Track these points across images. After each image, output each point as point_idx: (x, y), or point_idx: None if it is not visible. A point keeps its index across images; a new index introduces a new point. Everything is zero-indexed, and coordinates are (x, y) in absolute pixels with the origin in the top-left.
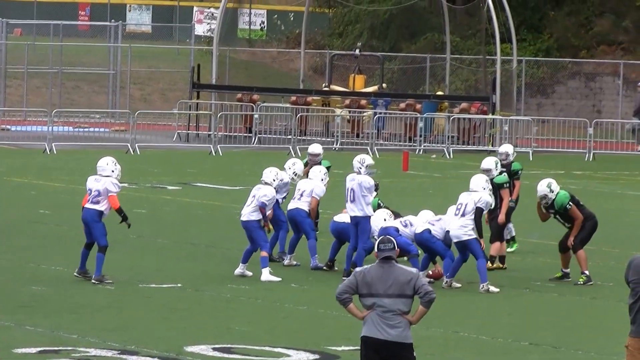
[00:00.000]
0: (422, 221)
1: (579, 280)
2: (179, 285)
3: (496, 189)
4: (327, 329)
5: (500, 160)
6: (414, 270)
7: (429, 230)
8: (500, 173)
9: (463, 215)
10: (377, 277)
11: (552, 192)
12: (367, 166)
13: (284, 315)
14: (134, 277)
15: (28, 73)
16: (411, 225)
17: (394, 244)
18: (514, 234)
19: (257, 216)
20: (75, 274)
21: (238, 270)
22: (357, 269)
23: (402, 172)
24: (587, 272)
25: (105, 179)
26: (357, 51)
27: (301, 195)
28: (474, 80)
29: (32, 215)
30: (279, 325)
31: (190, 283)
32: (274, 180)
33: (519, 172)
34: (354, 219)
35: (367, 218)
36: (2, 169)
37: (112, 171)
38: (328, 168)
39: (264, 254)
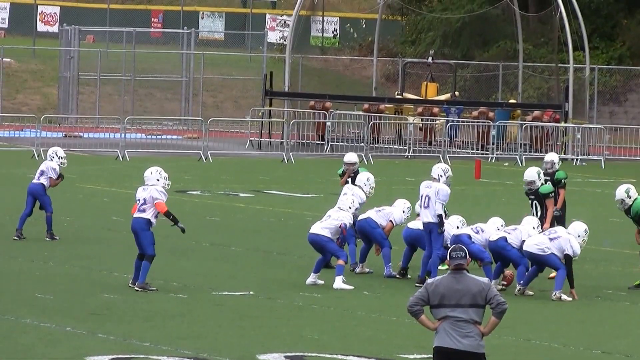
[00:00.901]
0: (494, 228)
1: None
2: (251, 292)
3: (541, 199)
4: (400, 337)
5: (546, 169)
6: (486, 280)
7: (504, 239)
8: (545, 182)
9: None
10: (449, 287)
11: (630, 197)
12: (448, 177)
13: (356, 323)
14: (206, 284)
15: (101, 80)
16: (482, 231)
17: (465, 252)
18: None
19: (327, 232)
20: (129, 284)
21: (310, 280)
22: (429, 280)
23: (474, 180)
24: None
25: (151, 187)
26: (430, 59)
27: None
28: (547, 88)
29: (105, 222)
30: (351, 333)
31: (263, 290)
32: (350, 208)
33: (563, 180)
34: (427, 225)
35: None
36: (75, 176)
37: (157, 180)
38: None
39: (341, 262)
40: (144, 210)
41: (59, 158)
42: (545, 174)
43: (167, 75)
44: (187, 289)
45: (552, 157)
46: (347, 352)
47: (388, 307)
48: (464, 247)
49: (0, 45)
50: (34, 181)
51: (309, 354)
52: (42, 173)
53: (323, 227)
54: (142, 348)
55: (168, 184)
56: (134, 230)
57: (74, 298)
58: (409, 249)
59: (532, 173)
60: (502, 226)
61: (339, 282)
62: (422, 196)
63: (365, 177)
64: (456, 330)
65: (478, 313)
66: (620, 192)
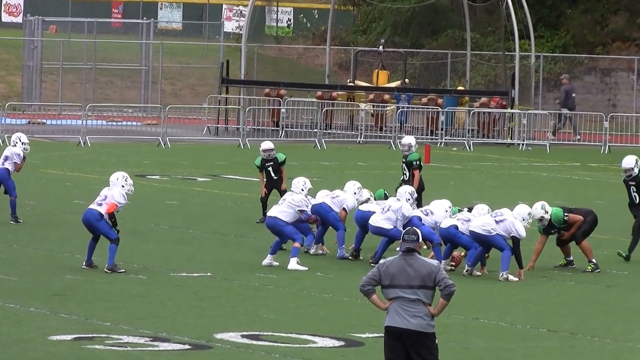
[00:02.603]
0: (442, 210)
1: (587, 267)
2: (209, 274)
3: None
4: (352, 317)
5: (403, 152)
6: (435, 262)
7: (455, 227)
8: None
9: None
10: (400, 268)
11: (547, 212)
12: (414, 198)
13: (310, 303)
14: (165, 266)
15: (63, 69)
16: (432, 214)
17: (418, 235)
18: None
19: (284, 216)
20: (83, 266)
21: (266, 261)
22: (381, 261)
23: (424, 164)
24: (594, 260)
25: (116, 188)
26: (381, 47)
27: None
28: (494, 75)
29: (67, 206)
30: (305, 312)
31: (220, 272)
32: (303, 190)
33: (415, 162)
34: (376, 229)
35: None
36: (38, 162)
37: (123, 186)
38: (284, 161)
39: (297, 245)
40: (100, 205)
41: (22, 144)
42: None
43: (127, 64)
44: (147, 270)
45: (409, 140)
46: (301, 331)
47: (341, 287)
48: (417, 230)
49: None
50: None
51: (265, 333)
52: (6, 158)
53: (280, 211)
54: (103, 328)
55: (131, 190)
56: (87, 221)
57: (38, 279)
58: (360, 231)
59: (630, 160)
60: (488, 212)
61: (293, 264)
62: (385, 205)
63: (301, 182)
64: (406, 310)
65: (427, 294)
66: (538, 210)
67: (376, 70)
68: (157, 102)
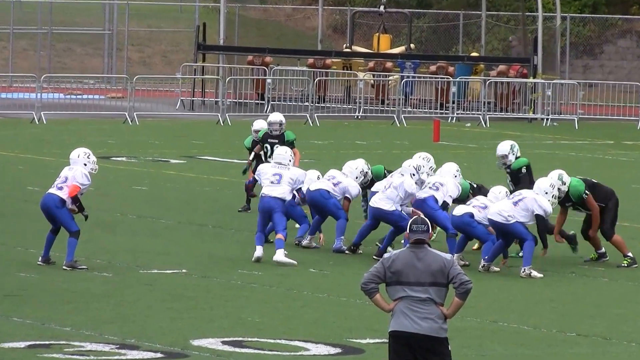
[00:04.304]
0: (451, 175)
1: (622, 262)
2: (184, 271)
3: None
4: (351, 320)
5: (272, 132)
6: (448, 256)
7: (471, 214)
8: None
9: None
10: (408, 263)
11: (564, 184)
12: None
13: (302, 304)
14: (133, 262)
15: (14, 34)
16: (442, 185)
17: (428, 225)
18: None
19: (283, 195)
20: (39, 262)
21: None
22: (385, 254)
23: (432, 142)
24: (630, 253)
25: (77, 167)
26: (382, 7)
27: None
28: (513, 39)
29: (20, 193)
30: (296, 315)
31: (197, 268)
32: (290, 162)
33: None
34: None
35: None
36: None
37: (85, 164)
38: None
39: (280, 236)
40: (61, 188)
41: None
42: (271, 137)
43: (88, 28)
44: (113, 267)
45: (276, 117)
46: (292, 337)
47: (337, 286)
48: (426, 219)
49: None
50: None
51: (249, 339)
52: None
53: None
54: (62, 333)
55: (95, 169)
56: (46, 207)
57: None
58: (370, 224)
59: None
60: (506, 195)
61: (280, 255)
62: (388, 182)
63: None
64: (414, 311)
65: (439, 293)
66: (554, 179)
67: (377, 34)
68: (122, 72)
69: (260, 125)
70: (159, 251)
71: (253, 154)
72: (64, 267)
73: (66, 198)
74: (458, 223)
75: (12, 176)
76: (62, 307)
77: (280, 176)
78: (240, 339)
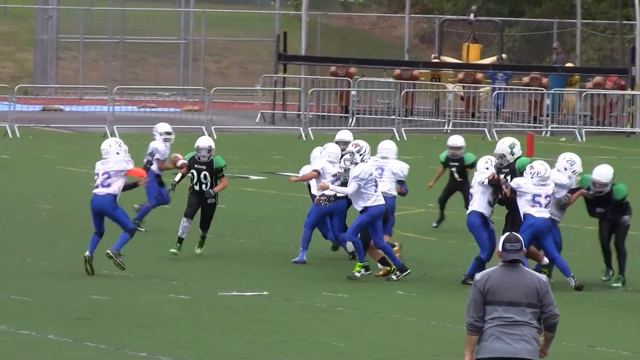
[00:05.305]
0: (483, 163)
1: None
2: (265, 293)
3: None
4: (440, 344)
5: (200, 158)
6: (544, 278)
7: (552, 219)
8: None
9: None
10: (500, 282)
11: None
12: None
13: (390, 329)
14: (212, 283)
15: (84, 44)
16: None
17: (522, 243)
18: None
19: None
20: (84, 254)
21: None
22: (477, 276)
23: (525, 157)
24: None
25: (112, 159)
26: (472, 16)
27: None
28: (610, 49)
29: (87, 211)
30: (383, 340)
31: (279, 290)
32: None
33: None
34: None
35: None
36: (55, 157)
37: (117, 153)
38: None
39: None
40: (108, 185)
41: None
42: (199, 163)
43: (162, 37)
44: (189, 289)
45: (205, 142)
46: None
47: (426, 308)
48: (519, 236)
49: None
50: None
51: None
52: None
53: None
54: (137, 359)
55: (128, 157)
56: (101, 209)
57: (57, 300)
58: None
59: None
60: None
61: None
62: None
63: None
64: (507, 334)
65: (534, 315)
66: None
67: (466, 44)
68: (199, 84)
69: (342, 136)
70: (239, 272)
71: (180, 175)
72: (107, 252)
73: (118, 192)
74: (541, 226)
75: (82, 193)
76: (136, 330)
77: (382, 170)
78: None
